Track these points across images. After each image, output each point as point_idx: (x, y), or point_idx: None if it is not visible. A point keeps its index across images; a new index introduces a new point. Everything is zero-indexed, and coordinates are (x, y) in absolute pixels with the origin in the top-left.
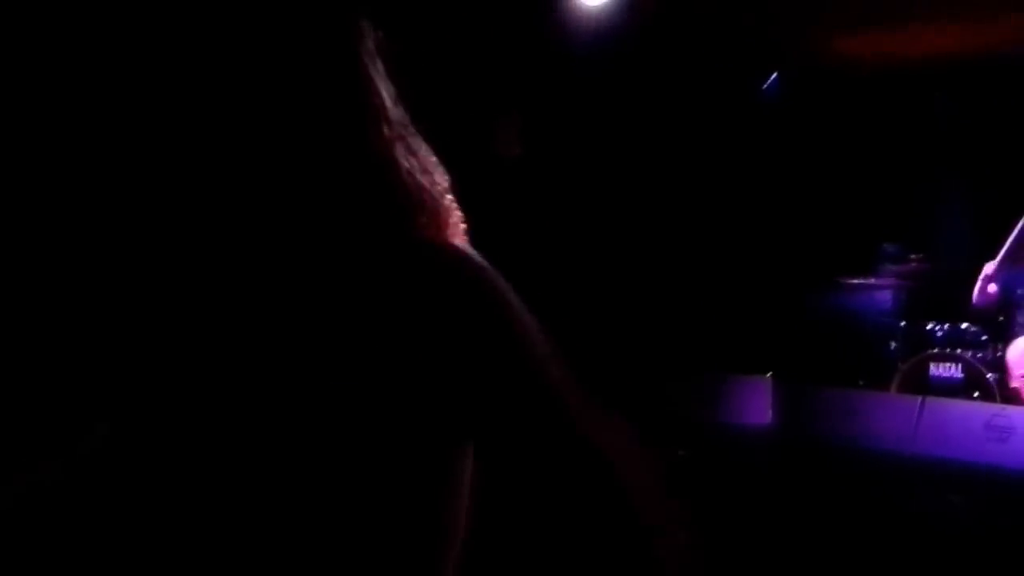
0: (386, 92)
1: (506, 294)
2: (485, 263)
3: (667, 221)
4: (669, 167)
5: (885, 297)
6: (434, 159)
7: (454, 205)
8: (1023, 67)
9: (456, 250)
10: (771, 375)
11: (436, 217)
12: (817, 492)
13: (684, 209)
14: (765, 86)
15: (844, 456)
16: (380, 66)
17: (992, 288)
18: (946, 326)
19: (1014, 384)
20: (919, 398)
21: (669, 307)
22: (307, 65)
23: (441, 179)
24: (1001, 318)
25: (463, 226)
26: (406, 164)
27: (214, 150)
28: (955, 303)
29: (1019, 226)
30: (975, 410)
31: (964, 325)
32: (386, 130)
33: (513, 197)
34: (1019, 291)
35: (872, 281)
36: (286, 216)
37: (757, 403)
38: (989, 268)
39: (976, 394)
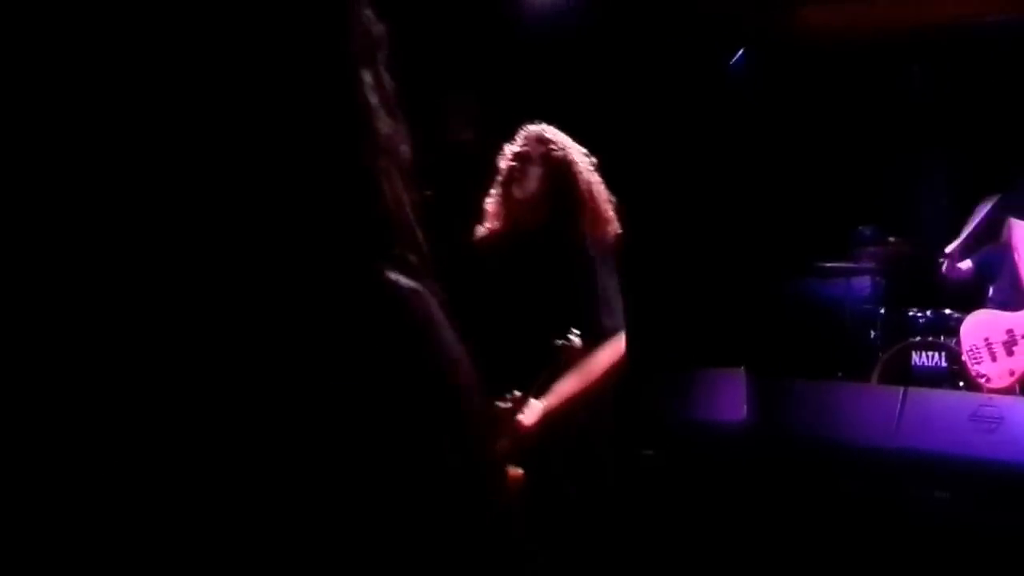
0: (378, 103)
1: (437, 333)
2: (422, 305)
3: (630, 207)
4: (632, 150)
5: (863, 283)
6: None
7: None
8: (1000, 37)
9: (399, 294)
10: (744, 368)
11: (415, 241)
12: (795, 490)
13: (648, 194)
14: (731, 63)
15: (823, 452)
16: (377, 71)
17: (965, 265)
18: (928, 312)
19: (963, 358)
20: (901, 389)
21: (633, 297)
22: (296, 70)
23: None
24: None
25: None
26: (388, 189)
27: (193, 155)
28: (937, 288)
29: (978, 215)
30: (960, 400)
31: (947, 311)
32: (373, 147)
33: (466, 184)
34: (994, 267)
35: (849, 266)
36: (253, 228)
37: (730, 397)
38: (951, 248)
39: (961, 384)
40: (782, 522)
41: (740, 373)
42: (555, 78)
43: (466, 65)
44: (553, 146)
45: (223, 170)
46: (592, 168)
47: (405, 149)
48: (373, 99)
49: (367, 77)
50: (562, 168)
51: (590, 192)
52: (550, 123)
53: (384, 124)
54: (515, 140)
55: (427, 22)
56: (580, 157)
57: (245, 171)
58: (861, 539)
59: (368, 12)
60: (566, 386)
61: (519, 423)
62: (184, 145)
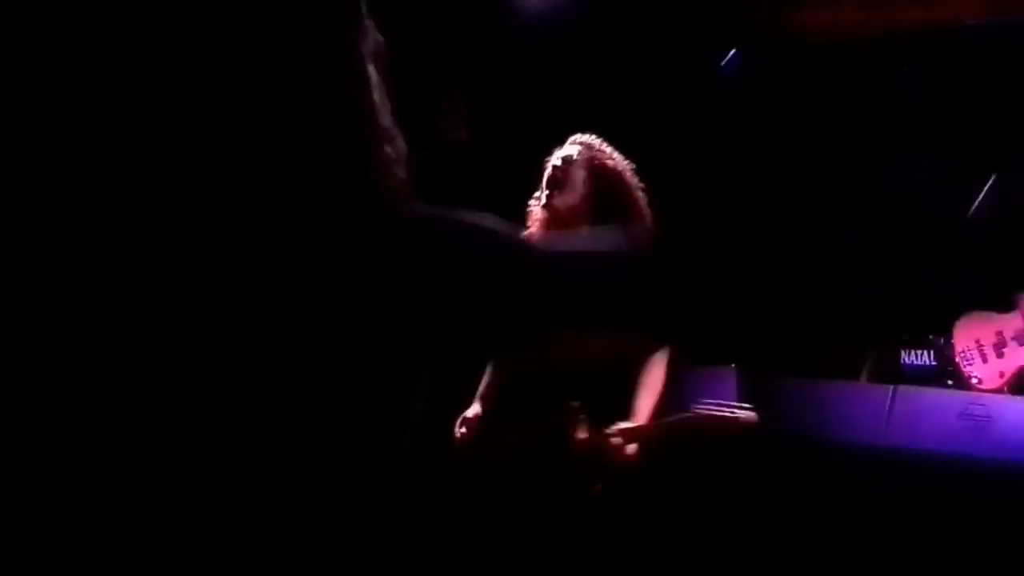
0: (377, 92)
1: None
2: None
3: None
4: (623, 151)
5: None
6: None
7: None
8: (992, 38)
9: (428, 211)
10: (735, 366)
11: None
12: (785, 487)
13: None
14: (723, 63)
15: (813, 449)
16: (379, 71)
17: None
18: None
19: (956, 360)
20: (890, 387)
21: None
22: (305, 61)
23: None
24: None
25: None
26: (389, 152)
27: (211, 136)
28: None
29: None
30: (949, 399)
31: None
32: (376, 135)
33: (461, 184)
34: None
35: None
36: (276, 194)
37: (721, 395)
38: None
39: (950, 382)
40: (771, 518)
41: (731, 371)
42: (549, 77)
43: (459, 64)
44: (601, 152)
45: (249, 150)
46: (639, 187)
47: (399, 143)
48: (376, 96)
49: (373, 74)
50: (610, 175)
51: (637, 205)
52: (545, 120)
53: (384, 118)
54: (563, 146)
55: (421, 21)
56: (629, 171)
57: (270, 154)
58: (850, 536)
59: (370, 22)
60: (645, 403)
61: (626, 454)
62: (223, 126)
